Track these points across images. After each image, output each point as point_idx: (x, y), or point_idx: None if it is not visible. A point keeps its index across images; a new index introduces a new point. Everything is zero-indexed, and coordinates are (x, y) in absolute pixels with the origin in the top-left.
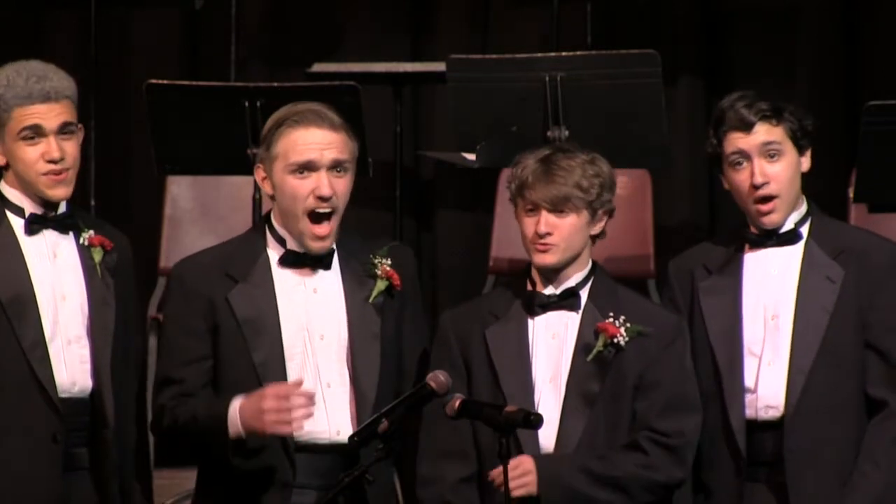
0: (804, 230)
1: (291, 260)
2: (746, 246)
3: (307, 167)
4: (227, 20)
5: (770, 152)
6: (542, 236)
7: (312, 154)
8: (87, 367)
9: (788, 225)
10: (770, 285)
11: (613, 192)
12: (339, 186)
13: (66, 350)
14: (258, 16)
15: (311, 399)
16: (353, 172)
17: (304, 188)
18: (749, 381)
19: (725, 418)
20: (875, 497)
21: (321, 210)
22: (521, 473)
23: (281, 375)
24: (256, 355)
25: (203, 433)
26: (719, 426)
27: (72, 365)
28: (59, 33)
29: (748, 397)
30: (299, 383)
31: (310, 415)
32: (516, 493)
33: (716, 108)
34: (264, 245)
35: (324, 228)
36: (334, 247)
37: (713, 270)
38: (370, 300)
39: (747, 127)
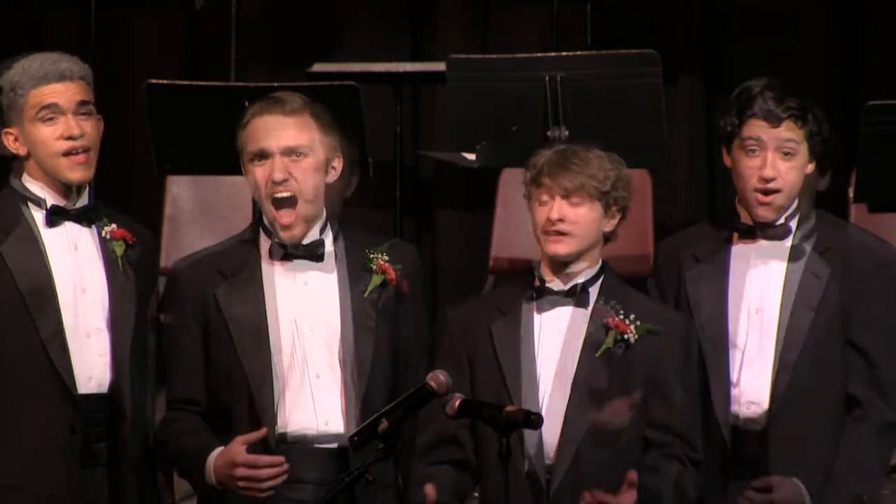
0: (793, 224)
1: (280, 252)
2: (735, 236)
3: (261, 155)
4: (227, 20)
5: (786, 150)
6: (553, 223)
7: (263, 142)
8: (106, 359)
9: (779, 219)
10: (756, 278)
11: (627, 191)
12: (296, 170)
13: (85, 343)
14: (258, 16)
15: (280, 467)
16: (318, 155)
17: (262, 175)
18: (734, 377)
19: (711, 413)
20: (826, 477)
21: (279, 195)
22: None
23: (268, 371)
24: (243, 351)
25: (187, 472)
26: (705, 421)
27: (89, 358)
28: (59, 33)
29: (733, 392)
30: (263, 434)
31: (283, 480)
32: None
33: (741, 89)
34: (257, 240)
35: (287, 216)
36: (326, 239)
37: (701, 259)
38: (365, 294)
39: (775, 120)
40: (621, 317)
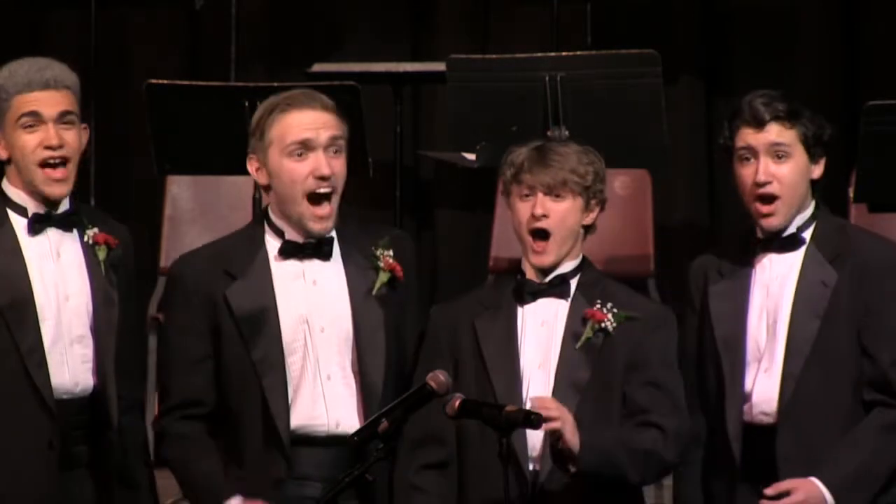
0: (807, 234)
1: (290, 251)
2: (757, 250)
3: (305, 146)
4: (227, 20)
5: (778, 153)
6: (537, 218)
7: (309, 133)
8: (89, 366)
9: (791, 229)
10: (772, 291)
11: (604, 184)
12: (336, 166)
13: (69, 351)
14: (258, 16)
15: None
16: (346, 154)
17: (303, 169)
18: (748, 387)
19: (724, 424)
20: (846, 474)
21: (321, 191)
22: (560, 413)
23: (281, 372)
24: (255, 353)
25: (194, 498)
26: (719, 432)
27: (73, 365)
28: (59, 33)
29: (746, 403)
30: None
31: None
32: (552, 424)
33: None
34: (262, 239)
35: (324, 209)
36: (334, 235)
37: (724, 274)
38: (373, 292)
39: (759, 124)
40: (598, 306)
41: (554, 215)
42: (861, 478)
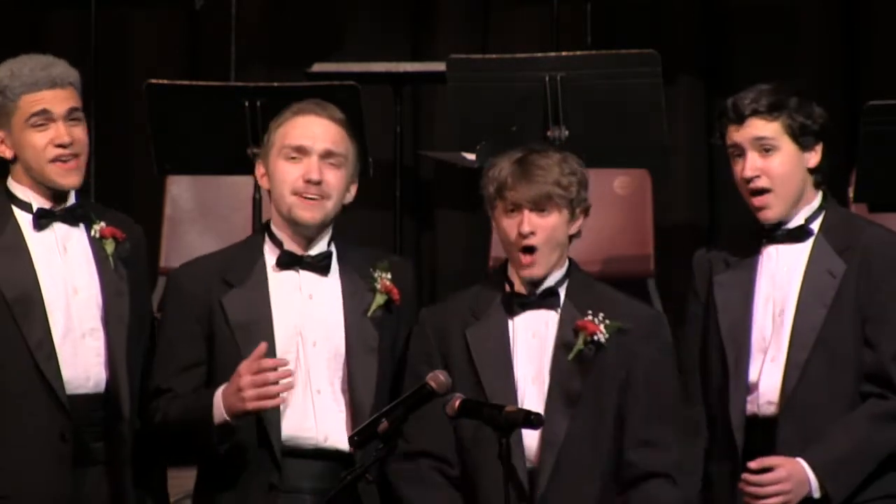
0: (815, 225)
1: (288, 261)
2: (764, 241)
3: (299, 151)
4: (227, 20)
5: (764, 146)
6: (525, 236)
7: (305, 140)
8: (102, 359)
9: (798, 220)
10: (779, 281)
11: (587, 190)
12: (329, 176)
13: (80, 344)
14: (258, 16)
15: (286, 370)
16: (349, 172)
17: (294, 171)
18: (753, 377)
19: (726, 414)
20: (832, 458)
21: (308, 196)
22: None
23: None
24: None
25: (190, 424)
26: (721, 421)
27: (85, 359)
28: (59, 33)
29: (751, 393)
30: (262, 352)
31: (289, 386)
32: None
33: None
34: (262, 249)
35: (312, 201)
36: (333, 251)
37: (730, 264)
38: (369, 314)
39: (740, 120)
40: (590, 317)
41: (541, 231)
42: (846, 464)
